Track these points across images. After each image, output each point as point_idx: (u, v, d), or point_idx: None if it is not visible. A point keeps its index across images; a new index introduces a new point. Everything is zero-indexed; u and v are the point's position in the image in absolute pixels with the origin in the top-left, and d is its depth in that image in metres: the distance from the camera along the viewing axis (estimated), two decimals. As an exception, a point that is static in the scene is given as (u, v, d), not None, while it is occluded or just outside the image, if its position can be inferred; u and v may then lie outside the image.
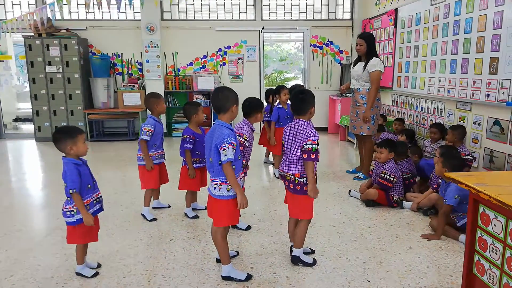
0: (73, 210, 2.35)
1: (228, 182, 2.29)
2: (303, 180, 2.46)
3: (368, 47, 4.40)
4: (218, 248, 2.46)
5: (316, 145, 2.40)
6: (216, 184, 2.33)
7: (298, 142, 2.45)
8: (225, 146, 2.22)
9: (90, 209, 2.41)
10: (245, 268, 2.60)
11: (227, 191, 2.32)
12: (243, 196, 2.30)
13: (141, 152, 3.38)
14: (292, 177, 2.49)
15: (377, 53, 4.65)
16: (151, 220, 3.43)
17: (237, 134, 2.96)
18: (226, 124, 2.32)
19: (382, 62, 4.49)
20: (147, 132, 3.30)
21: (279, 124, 4.69)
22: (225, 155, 2.22)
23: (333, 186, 4.39)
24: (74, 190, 2.30)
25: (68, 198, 2.36)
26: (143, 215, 3.50)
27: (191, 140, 3.30)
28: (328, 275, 2.51)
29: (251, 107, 3.01)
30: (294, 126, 2.53)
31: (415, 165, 4.17)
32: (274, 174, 4.87)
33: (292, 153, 2.48)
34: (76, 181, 2.32)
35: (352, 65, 4.73)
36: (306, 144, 2.39)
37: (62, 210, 2.39)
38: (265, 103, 5.32)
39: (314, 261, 2.64)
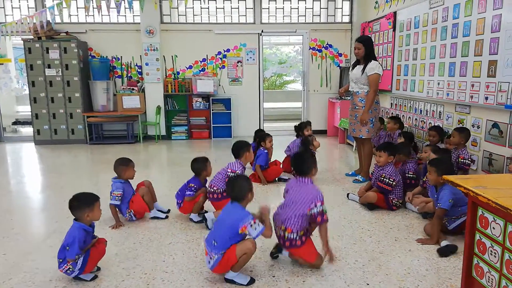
0: (69, 268, 2.41)
1: (218, 253, 2.36)
2: (293, 236, 2.49)
3: (366, 50, 4.41)
4: (241, 262, 2.41)
5: (324, 205, 2.45)
6: (211, 258, 2.39)
7: (302, 202, 2.46)
8: (251, 222, 2.32)
9: (79, 261, 2.42)
10: (244, 271, 2.59)
11: (212, 258, 2.39)
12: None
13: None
14: (283, 232, 2.50)
15: (376, 56, 4.65)
16: (165, 218, 3.53)
17: (229, 170, 3.39)
18: (245, 209, 2.42)
19: (381, 65, 4.49)
20: (116, 197, 3.37)
21: (263, 168, 4.70)
22: (255, 229, 2.32)
23: (332, 189, 4.39)
24: (78, 255, 2.40)
25: (61, 260, 2.42)
26: (154, 217, 3.54)
27: (194, 190, 3.44)
28: (327, 278, 2.51)
29: (238, 148, 3.52)
30: (299, 184, 2.55)
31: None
32: None
33: (292, 209, 2.49)
34: (82, 248, 2.42)
35: (350, 68, 4.75)
36: (316, 207, 2.41)
37: (61, 272, 2.45)
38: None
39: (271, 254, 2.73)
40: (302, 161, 2.61)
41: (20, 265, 2.71)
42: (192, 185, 3.44)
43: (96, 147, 7.12)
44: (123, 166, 3.47)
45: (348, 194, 4.08)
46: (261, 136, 4.85)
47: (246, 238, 2.45)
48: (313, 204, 2.41)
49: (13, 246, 3.03)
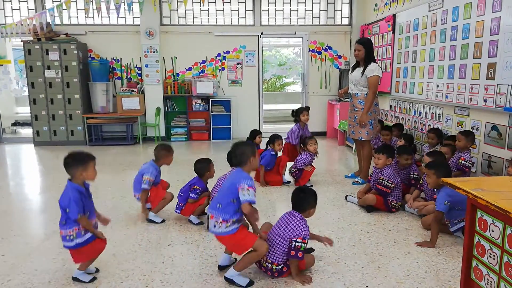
0: (72, 235, 2.37)
1: (228, 220, 2.35)
2: (280, 268, 2.47)
3: (366, 52, 4.42)
4: (247, 261, 2.42)
5: (305, 244, 2.40)
6: (216, 222, 2.38)
7: (287, 234, 2.42)
8: (245, 186, 2.31)
9: (85, 235, 2.40)
10: (243, 273, 2.59)
11: (226, 227, 2.36)
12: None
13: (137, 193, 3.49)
14: (270, 265, 2.47)
15: (375, 58, 4.66)
16: (161, 222, 3.49)
17: None
18: (247, 173, 2.42)
19: (380, 67, 4.50)
20: (150, 182, 3.40)
21: (266, 169, 4.66)
22: (244, 195, 2.30)
23: (332, 191, 4.39)
24: (81, 214, 2.35)
25: (64, 221, 2.38)
26: (150, 220, 3.51)
27: (199, 193, 3.44)
28: (327, 280, 2.51)
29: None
30: (288, 217, 2.51)
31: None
32: None
33: (276, 241, 2.45)
34: (81, 207, 2.36)
35: (350, 70, 4.75)
36: (296, 242, 2.37)
37: (61, 234, 2.40)
38: None
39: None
40: (302, 198, 2.54)
41: (19, 267, 2.71)
42: (197, 187, 3.44)
43: (96, 148, 7.11)
44: (166, 151, 3.53)
45: (346, 196, 4.08)
46: (271, 137, 4.73)
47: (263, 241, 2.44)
48: (295, 238, 2.38)
49: (12, 247, 3.03)
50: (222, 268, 2.61)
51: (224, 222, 2.36)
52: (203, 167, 3.50)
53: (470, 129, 4.23)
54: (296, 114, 5.08)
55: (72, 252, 2.42)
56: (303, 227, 2.42)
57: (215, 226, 2.39)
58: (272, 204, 4.02)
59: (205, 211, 3.60)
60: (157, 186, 3.54)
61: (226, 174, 3.45)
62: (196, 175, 3.52)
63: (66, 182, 2.44)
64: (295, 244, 2.37)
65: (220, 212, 2.36)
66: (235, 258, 2.77)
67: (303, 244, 2.38)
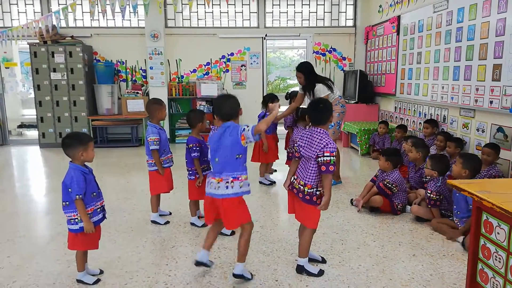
0: (77, 218, 2.36)
1: (239, 176, 2.33)
2: (313, 191, 2.41)
3: (307, 77, 4.37)
4: (245, 246, 2.44)
5: (334, 157, 2.35)
6: (227, 182, 2.33)
7: (314, 152, 2.38)
8: (243, 128, 2.29)
9: (93, 217, 2.42)
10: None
11: (240, 187, 2.34)
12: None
13: (151, 159, 3.41)
14: (302, 187, 2.44)
15: (320, 75, 4.53)
16: (165, 224, 3.47)
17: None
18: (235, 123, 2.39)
19: (326, 84, 4.32)
20: (154, 142, 3.35)
21: (266, 132, 4.63)
22: (248, 130, 2.28)
23: (336, 193, 4.37)
24: (80, 196, 2.32)
25: (67, 203, 2.35)
26: (154, 221, 3.51)
27: (197, 148, 3.28)
28: (331, 283, 2.50)
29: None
30: (311, 135, 2.44)
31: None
32: (260, 181, 4.78)
33: (308, 163, 2.42)
34: (82, 188, 2.34)
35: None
36: (324, 156, 2.33)
37: (67, 217, 2.39)
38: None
39: (320, 272, 2.60)
40: (319, 111, 2.48)
41: (25, 268, 2.72)
42: (191, 145, 3.27)
43: (101, 150, 7.14)
44: (157, 105, 3.41)
45: (351, 200, 4.04)
46: (266, 97, 4.69)
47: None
48: (322, 153, 2.33)
49: (17, 249, 3.05)
50: (238, 277, 2.50)
51: (236, 181, 2.32)
52: (195, 117, 3.31)
53: (495, 143, 3.89)
54: (290, 97, 5.09)
55: (71, 236, 2.41)
56: (328, 141, 2.36)
57: (227, 187, 2.32)
58: (276, 206, 4.01)
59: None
60: (166, 181, 3.47)
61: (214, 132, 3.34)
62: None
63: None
64: (323, 160, 2.32)
65: (229, 172, 2.32)
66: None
67: (331, 158, 2.32)
